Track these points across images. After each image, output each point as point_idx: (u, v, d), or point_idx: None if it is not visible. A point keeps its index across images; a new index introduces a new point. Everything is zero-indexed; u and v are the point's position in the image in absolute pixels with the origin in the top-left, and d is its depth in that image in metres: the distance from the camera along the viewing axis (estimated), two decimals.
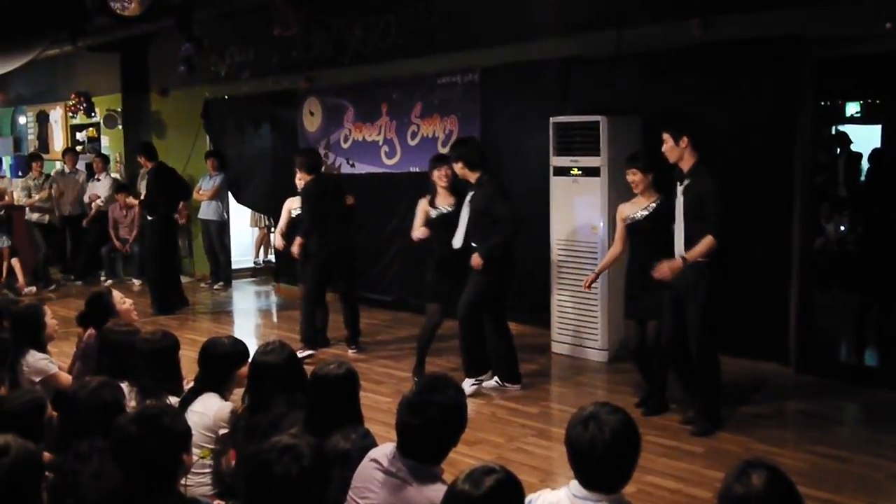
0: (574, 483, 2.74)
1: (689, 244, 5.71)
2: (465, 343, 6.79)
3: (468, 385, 6.64)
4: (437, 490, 2.93)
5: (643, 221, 6.16)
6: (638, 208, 6.20)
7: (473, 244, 6.65)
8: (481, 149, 6.87)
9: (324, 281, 8.11)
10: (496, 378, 6.89)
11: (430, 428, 3.01)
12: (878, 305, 7.72)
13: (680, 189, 5.81)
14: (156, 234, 10.40)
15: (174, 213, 10.75)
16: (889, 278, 7.54)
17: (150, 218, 10.43)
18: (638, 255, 6.19)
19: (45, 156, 15.05)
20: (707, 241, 5.58)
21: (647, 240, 6.12)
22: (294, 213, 8.40)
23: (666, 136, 5.82)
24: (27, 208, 12.66)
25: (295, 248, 8.05)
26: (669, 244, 5.87)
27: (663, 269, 5.71)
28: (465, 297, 6.65)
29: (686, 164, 5.77)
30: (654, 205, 6.14)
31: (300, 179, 8.14)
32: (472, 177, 6.67)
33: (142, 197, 11.06)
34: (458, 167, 6.72)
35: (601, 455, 2.65)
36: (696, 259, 5.61)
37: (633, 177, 6.18)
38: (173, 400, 4.09)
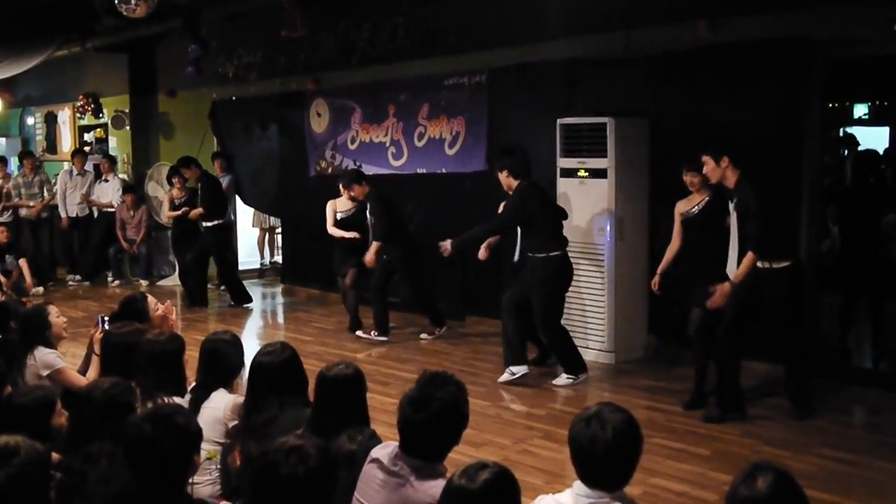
0: (578, 483, 2.75)
1: (742, 257, 5.99)
2: (553, 350, 7.21)
3: (563, 379, 7.03)
4: (439, 486, 2.92)
5: (696, 216, 6.53)
6: (692, 205, 6.57)
7: (528, 252, 7.02)
8: (525, 158, 7.06)
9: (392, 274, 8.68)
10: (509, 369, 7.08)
11: (431, 424, 3.03)
12: (869, 305, 7.70)
13: (731, 206, 6.11)
14: (218, 238, 10.73)
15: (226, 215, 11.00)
16: (874, 278, 7.52)
17: (207, 224, 10.68)
18: (691, 246, 6.56)
19: (52, 157, 15.15)
20: (748, 259, 5.87)
21: (700, 233, 6.48)
22: (339, 216, 8.93)
23: (706, 158, 6.13)
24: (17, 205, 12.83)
25: (371, 256, 8.54)
26: (722, 238, 6.21)
27: (716, 300, 5.99)
28: (536, 313, 6.98)
29: (730, 182, 6.07)
30: (705, 200, 6.49)
31: (355, 194, 8.69)
32: (514, 185, 6.95)
33: (184, 206, 11.18)
34: (503, 176, 7.01)
35: (602, 453, 2.68)
36: (741, 279, 5.89)
37: (693, 178, 6.49)
38: (177, 401, 4.10)
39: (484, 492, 2.52)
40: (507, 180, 6.97)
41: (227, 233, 11.13)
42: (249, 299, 10.89)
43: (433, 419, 3.02)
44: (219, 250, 10.83)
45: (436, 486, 2.94)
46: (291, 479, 2.58)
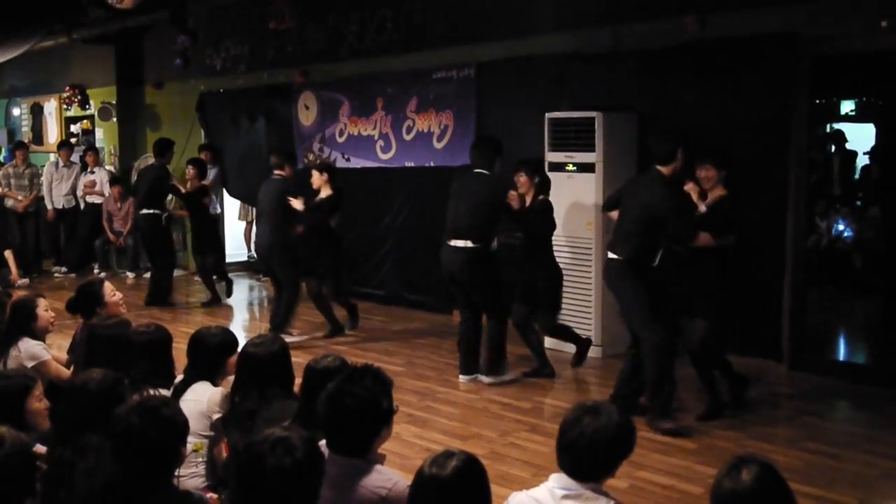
0: (553, 476, 2.82)
1: None
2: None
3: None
4: (380, 476, 3.00)
5: (706, 216, 5.94)
6: (702, 203, 6.03)
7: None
8: (482, 149, 6.95)
9: None
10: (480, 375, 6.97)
11: (347, 418, 3.02)
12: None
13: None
14: (147, 226, 10.51)
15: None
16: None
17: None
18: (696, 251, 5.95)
19: (38, 148, 15.07)
20: None
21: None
22: None
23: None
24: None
25: None
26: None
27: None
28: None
29: None
30: (720, 197, 6.01)
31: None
32: None
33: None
34: None
35: (582, 442, 2.76)
36: None
37: (707, 173, 6.02)
38: (164, 392, 4.10)
39: (455, 478, 2.59)
40: None
41: (157, 223, 10.60)
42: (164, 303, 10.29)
43: (348, 413, 3.01)
44: (149, 240, 10.70)
45: (377, 479, 2.99)
46: (277, 471, 2.58)
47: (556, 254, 7.84)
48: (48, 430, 3.70)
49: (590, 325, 7.62)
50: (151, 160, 12.37)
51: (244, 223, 13.36)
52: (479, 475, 2.67)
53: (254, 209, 12.87)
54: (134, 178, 12.67)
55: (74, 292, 5.42)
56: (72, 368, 5.04)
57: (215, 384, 4.20)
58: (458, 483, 2.60)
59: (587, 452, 2.76)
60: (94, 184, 12.77)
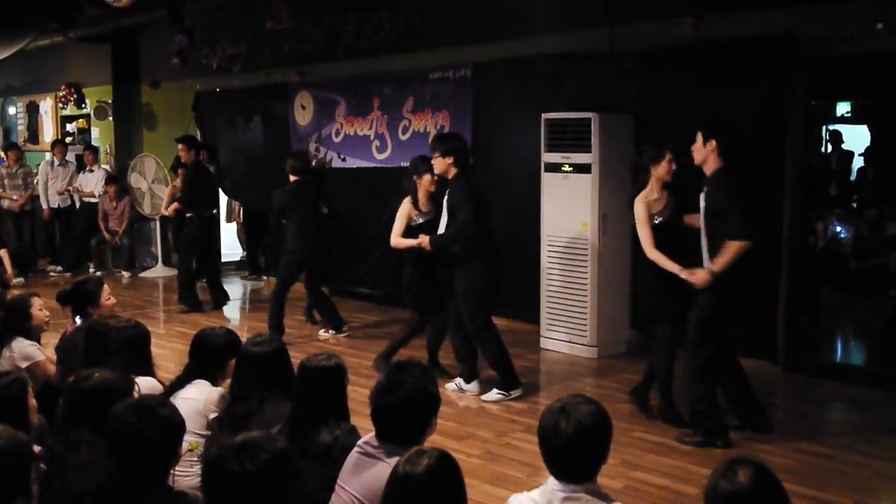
0: (552, 479, 2.79)
1: (711, 253, 5.43)
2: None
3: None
4: None
5: (672, 215, 5.85)
6: (663, 203, 5.86)
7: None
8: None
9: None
10: (456, 381, 6.81)
11: (400, 408, 3.09)
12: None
13: (702, 195, 5.52)
14: (197, 230, 10.17)
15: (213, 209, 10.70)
16: None
17: (188, 214, 10.19)
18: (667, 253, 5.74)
19: (34, 147, 15.05)
20: (731, 249, 5.27)
21: (675, 235, 5.83)
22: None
23: (698, 134, 5.49)
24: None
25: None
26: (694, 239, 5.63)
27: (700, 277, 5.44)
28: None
29: (709, 170, 5.47)
30: (673, 196, 5.89)
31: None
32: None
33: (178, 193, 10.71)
34: None
35: (564, 445, 2.72)
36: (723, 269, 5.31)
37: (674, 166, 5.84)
38: (143, 380, 4.10)
39: (427, 476, 2.56)
40: None
41: (209, 228, 10.55)
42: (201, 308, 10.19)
43: (401, 403, 3.09)
44: (200, 243, 10.32)
45: None
46: (241, 478, 2.53)
47: (552, 253, 7.87)
48: (41, 427, 3.70)
49: (586, 325, 7.63)
50: (148, 159, 12.41)
51: (235, 224, 13.32)
52: (452, 473, 2.64)
53: (241, 210, 12.79)
54: (130, 177, 12.66)
55: (70, 286, 5.43)
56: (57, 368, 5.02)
57: (216, 384, 4.20)
58: (430, 481, 2.56)
59: (576, 453, 2.73)
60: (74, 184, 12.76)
